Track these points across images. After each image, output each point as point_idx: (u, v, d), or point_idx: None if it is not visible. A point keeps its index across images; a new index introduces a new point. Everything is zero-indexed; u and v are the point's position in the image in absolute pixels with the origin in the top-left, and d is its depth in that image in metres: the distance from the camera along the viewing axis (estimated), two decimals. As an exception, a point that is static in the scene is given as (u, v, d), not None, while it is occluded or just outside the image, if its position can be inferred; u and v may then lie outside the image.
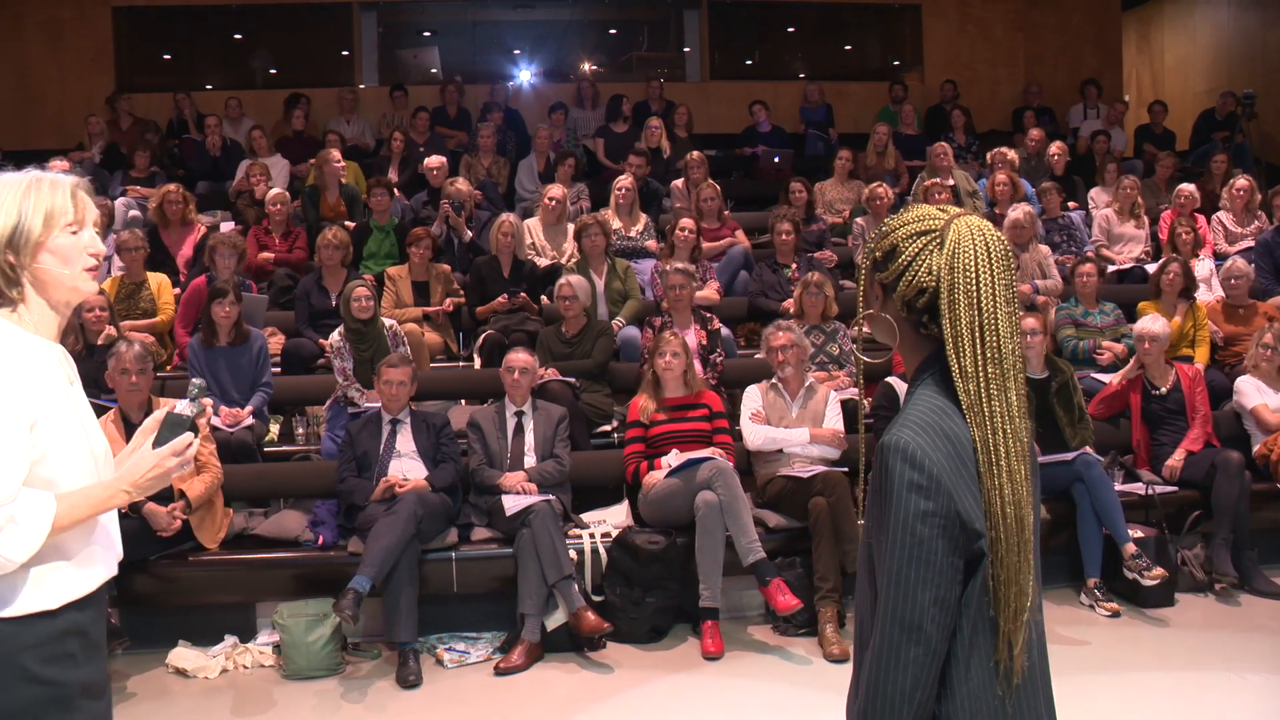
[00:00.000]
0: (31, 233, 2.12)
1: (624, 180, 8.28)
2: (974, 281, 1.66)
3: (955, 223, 1.70)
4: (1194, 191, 8.80)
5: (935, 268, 1.69)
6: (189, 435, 2.22)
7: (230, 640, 5.17)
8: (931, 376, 1.72)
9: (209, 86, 12.57)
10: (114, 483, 2.17)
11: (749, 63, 14.09)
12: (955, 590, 1.62)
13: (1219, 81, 12.93)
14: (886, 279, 1.75)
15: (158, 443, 2.20)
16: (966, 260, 1.67)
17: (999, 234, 1.71)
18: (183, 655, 5.03)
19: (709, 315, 6.86)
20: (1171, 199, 8.90)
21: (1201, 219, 8.69)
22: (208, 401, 2.30)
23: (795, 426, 5.73)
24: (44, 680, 2.06)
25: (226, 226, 8.45)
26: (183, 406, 2.24)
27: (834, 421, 5.82)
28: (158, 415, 2.24)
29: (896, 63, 13.99)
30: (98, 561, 2.20)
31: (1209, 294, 7.80)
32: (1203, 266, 8.03)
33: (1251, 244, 8.45)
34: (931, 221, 1.72)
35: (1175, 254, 7.76)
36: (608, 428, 6.43)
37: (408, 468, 5.48)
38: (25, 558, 2.02)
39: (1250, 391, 6.31)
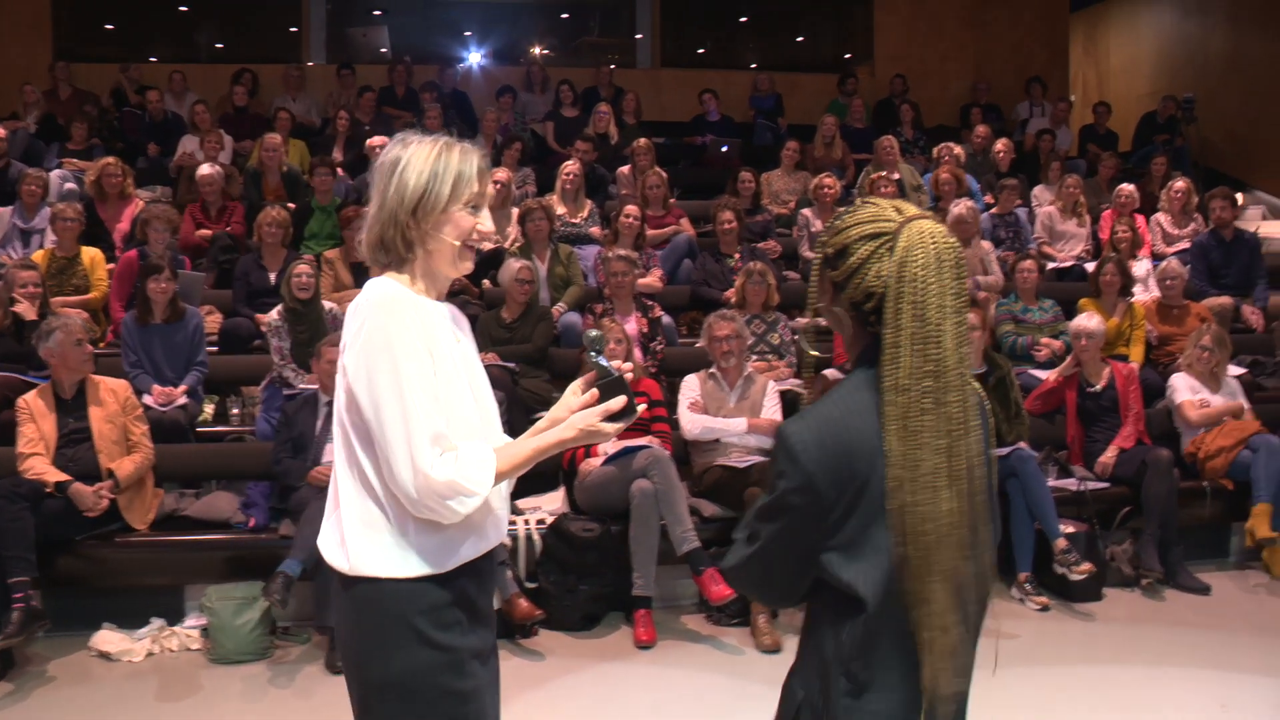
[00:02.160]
0: (440, 199, 2.11)
1: (570, 166, 8.24)
2: (922, 291, 1.63)
3: (908, 227, 1.67)
4: (1134, 192, 8.92)
5: (884, 274, 1.67)
6: (622, 397, 2.14)
7: (157, 623, 5.07)
8: (867, 371, 1.71)
9: (152, 59, 12.34)
10: (550, 434, 2.15)
11: (700, 51, 14.10)
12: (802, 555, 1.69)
13: (1161, 85, 13.11)
14: (837, 278, 1.74)
15: (601, 399, 2.15)
16: (915, 269, 1.64)
17: (953, 240, 1.69)
18: (107, 638, 4.94)
19: (650, 303, 6.85)
20: (1112, 199, 9.01)
21: (1141, 219, 8.81)
22: (621, 366, 2.24)
23: (733, 416, 5.74)
24: (437, 645, 2.08)
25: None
26: (597, 358, 2.19)
27: (772, 412, 5.83)
28: (580, 381, 2.19)
29: (848, 55, 14.04)
30: (489, 527, 2.18)
31: (1146, 294, 7.91)
32: (1140, 266, 8.14)
33: (1188, 245, 8.58)
34: (885, 224, 1.69)
35: (1114, 253, 7.87)
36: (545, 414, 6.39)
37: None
38: (478, 502, 2.05)
39: (1181, 388, 6.41)
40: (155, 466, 5.47)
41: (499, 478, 2.10)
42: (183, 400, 6.01)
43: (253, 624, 4.88)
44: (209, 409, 6.58)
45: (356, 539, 2.08)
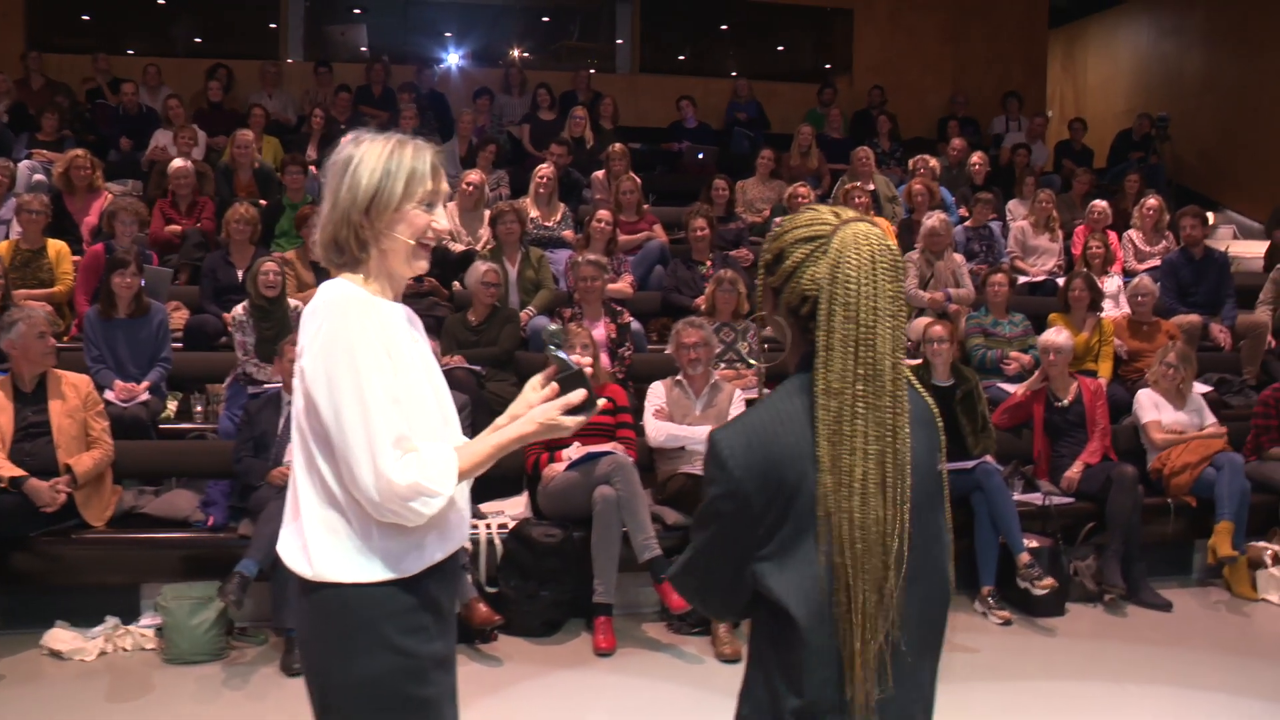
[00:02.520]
0: (393, 197, 2.07)
1: (544, 169, 8.20)
2: (854, 293, 1.62)
3: (842, 230, 1.65)
4: (1106, 208, 8.95)
5: (818, 276, 1.65)
6: (582, 390, 2.12)
7: (111, 622, 5.00)
8: (802, 376, 1.69)
9: (129, 52, 12.22)
10: (510, 429, 2.13)
11: (680, 58, 14.09)
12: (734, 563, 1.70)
13: (1137, 103, 13.20)
14: (775, 283, 1.73)
15: (561, 393, 2.13)
16: (848, 270, 1.62)
17: (889, 243, 1.67)
18: (59, 637, 4.86)
19: (619, 309, 6.83)
20: (1086, 215, 9.05)
21: (1114, 236, 8.85)
22: (580, 360, 2.21)
23: (699, 424, 5.71)
24: (401, 651, 2.05)
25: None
26: (556, 352, 2.16)
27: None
28: (540, 376, 2.17)
29: (827, 66, 14.06)
30: (452, 528, 2.15)
31: (1117, 310, 7.94)
32: (1111, 283, 8.17)
33: (1159, 263, 8.62)
34: (820, 227, 1.68)
35: (1084, 268, 7.90)
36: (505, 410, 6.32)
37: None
38: (442, 503, 2.02)
39: (1147, 407, 6.43)
40: (115, 463, 5.41)
41: (461, 477, 2.08)
42: (145, 396, 5.95)
43: (208, 624, 4.82)
44: (172, 406, 6.51)
45: (319, 544, 2.05)
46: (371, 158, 2.09)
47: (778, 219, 8.49)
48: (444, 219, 2.17)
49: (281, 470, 5.11)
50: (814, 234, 1.68)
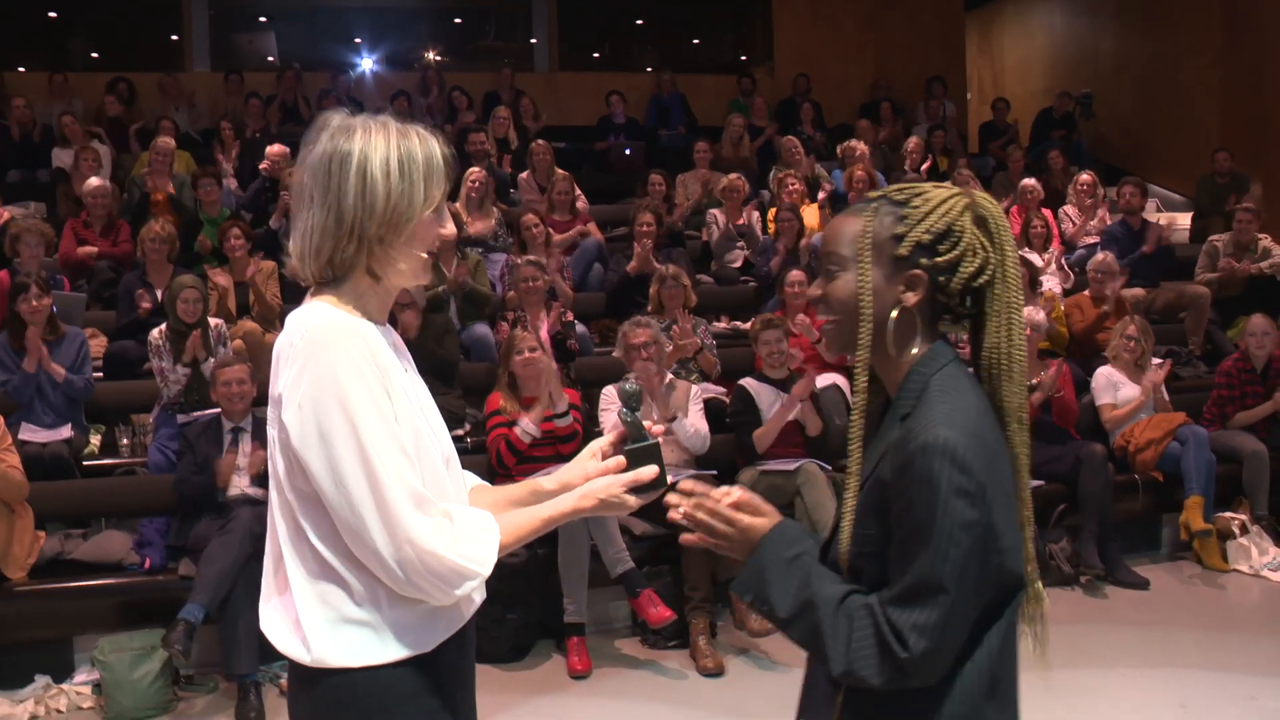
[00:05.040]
0: (414, 205, 1.70)
1: (475, 173, 7.88)
2: (1014, 264, 1.59)
3: (978, 197, 1.61)
4: (1038, 186, 8.91)
5: (987, 246, 1.58)
6: (654, 467, 1.81)
7: (42, 681, 4.60)
8: (945, 372, 1.57)
9: (20, 69, 11.67)
10: (564, 502, 1.81)
11: (597, 55, 13.89)
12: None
13: (1055, 82, 13.28)
14: (944, 263, 1.57)
15: (629, 466, 1.83)
16: (1005, 235, 1.60)
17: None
18: (-16, 702, 4.47)
19: (553, 301, 6.58)
20: (1018, 194, 8.99)
21: (1049, 213, 8.81)
22: (655, 429, 1.86)
23: (658, 426, 5.48)
24: None
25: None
26: (631, 418, 1.85)
27: (697, 419, 5.58)
28: (606, 441, 1.89)
29: (745, 57, 13.95)
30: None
31: (1056, 286, 7.88)
32: (1050, 260, 8.13)
33: (1095, 239, 8.60)
34: (961, 197, 1.60)
35: (1025, 247, 7.84)
36: (460, 432, 6.05)
37: (250, 481, 5.01)
38: (478, 583, 1.70)
39: (1104, 388, 6.34)
40: (37, 507, 5.00)
41: (500, 552, 1.74)
42: (67, 432, 5.56)
43: (152, 676, 4.45)
44: (95, 440, 6.09)
45: (316, 622, 1.69)
46: (379, 155, 1.69)
47: (711, 210, 8.31)
48: (451, 223, 1.82)
49: (230, 457, 4.91)
50: (965, 203, 1.60)
